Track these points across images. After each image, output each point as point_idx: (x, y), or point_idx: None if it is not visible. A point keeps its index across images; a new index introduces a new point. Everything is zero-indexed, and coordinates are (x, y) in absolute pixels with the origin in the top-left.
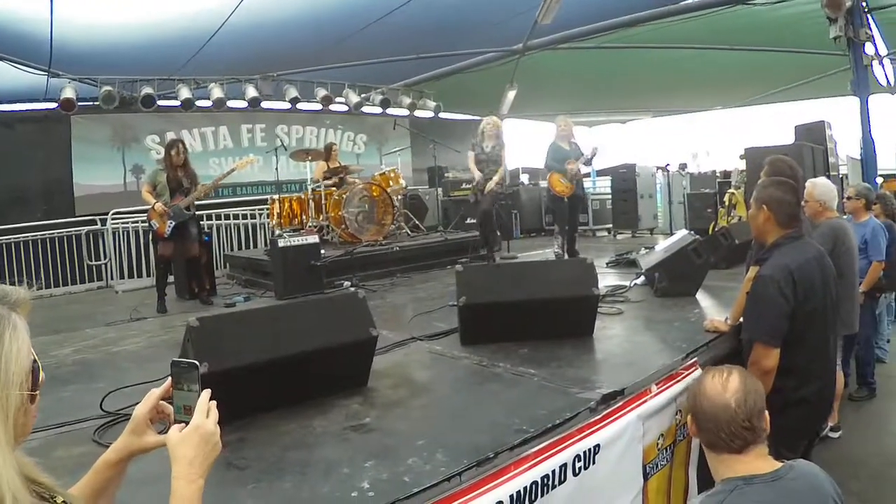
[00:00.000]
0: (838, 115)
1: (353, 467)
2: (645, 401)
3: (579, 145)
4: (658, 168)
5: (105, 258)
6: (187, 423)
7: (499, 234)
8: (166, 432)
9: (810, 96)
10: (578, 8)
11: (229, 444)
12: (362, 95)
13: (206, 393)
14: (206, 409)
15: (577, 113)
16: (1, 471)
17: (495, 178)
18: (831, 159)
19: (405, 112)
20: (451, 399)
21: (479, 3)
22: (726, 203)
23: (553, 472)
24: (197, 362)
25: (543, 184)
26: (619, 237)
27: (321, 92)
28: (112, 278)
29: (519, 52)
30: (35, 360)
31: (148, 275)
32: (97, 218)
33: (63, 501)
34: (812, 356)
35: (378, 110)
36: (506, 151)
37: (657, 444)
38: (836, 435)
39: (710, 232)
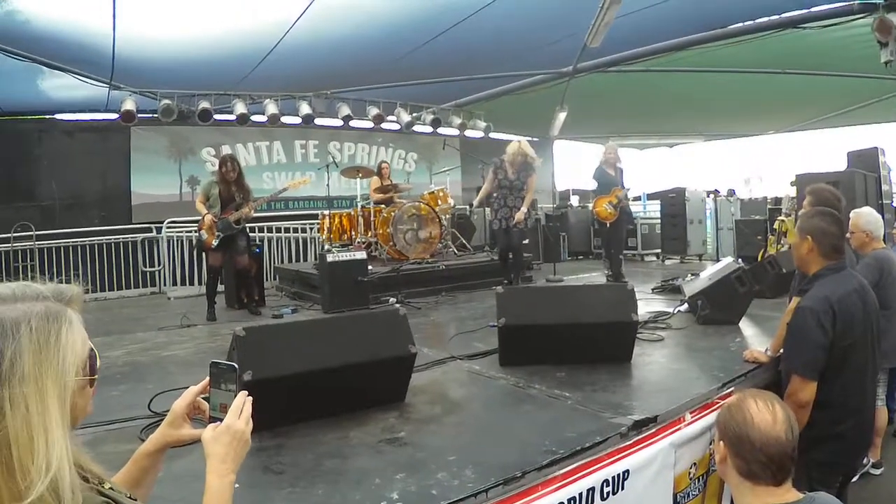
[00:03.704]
0: (893, 140)
1: (385, 478)
2: (678, 429)
3: (623, 172)
4: (708, 193)
5: (159, 265)
6: (221, 420)
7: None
8: (202, 428)
9: (864, 121)
10: (628, 31)
11: (269, 449)
12: (413, 115)
13: (243, 394)
14: (239, 410)
15: (626, 135)
16: (57, 448)
17: (524, 210)
18: (885, 187)
19: (455, 132)
20: (484, 418)
21: (529, 26)
22: (776, 230)
23: (580, 494)
24: (236, 365)
25: (591, 206)
26: (667, 262)
27: (373, 110)
28: (165, 285)
29: (569, 74)
30: (91, 349)
31: (199, 283)
32: (153, 226)
33: (110, 487)
34: (850, 391)
35: (429, 129)
36: (535, 177)
37: (689, 473)
38: (877, 472)
39: (758, 259)
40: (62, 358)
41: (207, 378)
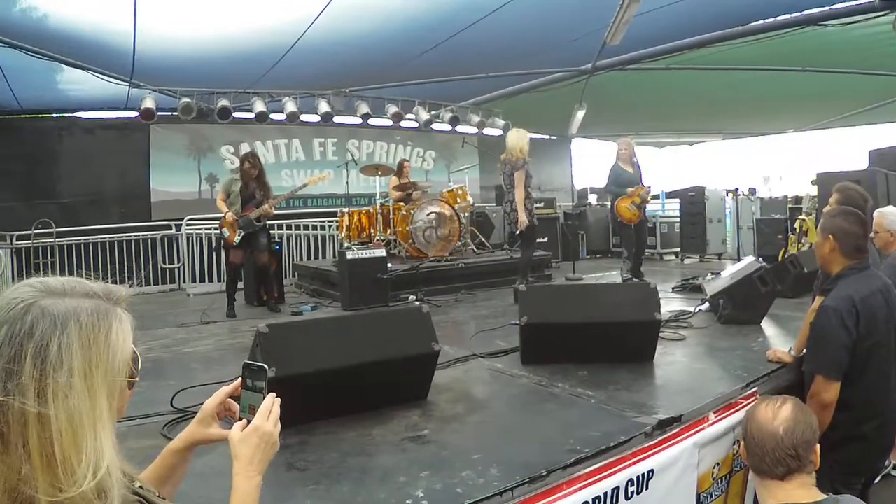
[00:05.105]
0: None
1: (409, 476)
2: (702, 428)
3: (641, 167)
4: (728, 192)
5: (178, 262)
6: (250, 422)
7: None
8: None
9: (886, 120)
10: (647, 29)
11: (292, 447)
12: (432, 112)
13: (271, 396)
14: (268, 411)
15: (645, 133)
16: (108, 449)
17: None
18: None
19: (474, 130)
20: (507, 416)
21: (548, 24)
22: (797, 230)
23: (605, 493)
24: (266, 366)
25: (611, 205)
26: (686, 262)
27: (392, 108)
28: (184, 282)
29: (588, 72)
30: (134, 351)
31: (219, 280)
32: (172, 223)
33: (140, 486)
34: (873, 391)
35: (447, 128)
36: None
37: (712, 473)
38: None
39: (779, 259)
40: (112, 355)
41: (239, 379)
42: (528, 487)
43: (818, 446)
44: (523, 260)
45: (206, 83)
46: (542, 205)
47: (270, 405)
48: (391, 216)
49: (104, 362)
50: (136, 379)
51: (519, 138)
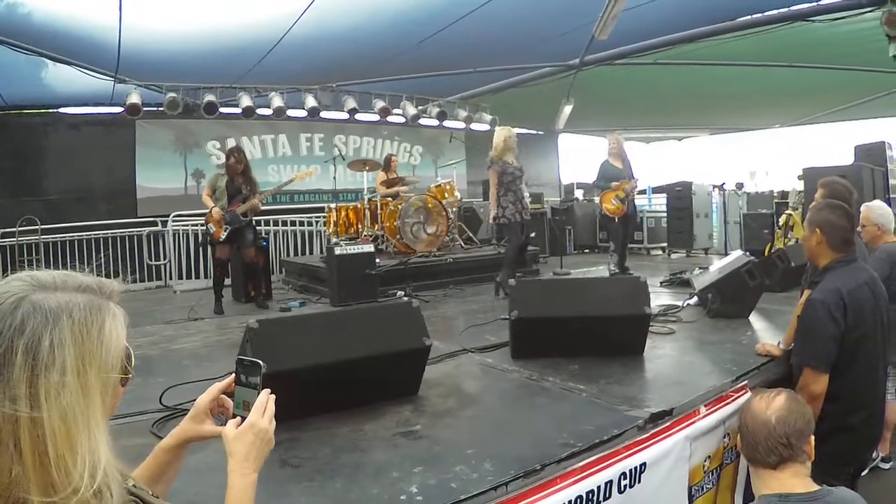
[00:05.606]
0: None
1: (403, 472)
2: (693, 422)
3: (631, 163)
4: (714, 187)
5: (165, 259)
6: (244, 418)
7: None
8: (224, 425)
9: (872, 115)
10: (635, 24)
11: (284, 443)
12: (419, 107)
13: (265, 392)
14: (262, 408)
15: (633, 129)
16: (104, 449)
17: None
18: (892, 181)
19: (461, 125)
20: (499, 411)
21: (536, 18)
22: (783, 224)
23: (598, 487)
24: (260, 362)
25: (598, 200)
26: (673, 256)
27: (379, 103)
28: (171, 278)
29: (576, 67)
30: (128, 347)
31: (206, 276)
32: (158, 219)
33: (133, 484)
34: (860, 383)
35: (434, 123)
36: None
37: (703, 466)
38: (886, 466)
39: (766, 253)
40: (105, 351)
41: (233, 375)
42: (522, 482)
43: (812, 437)
44: (506, 255)
45: (193, 78)
46: (529, 200)
47: (265, 401)
48: (379, 211)
49: (97, 358)
50: (131, 376)
51: (497, 137)
